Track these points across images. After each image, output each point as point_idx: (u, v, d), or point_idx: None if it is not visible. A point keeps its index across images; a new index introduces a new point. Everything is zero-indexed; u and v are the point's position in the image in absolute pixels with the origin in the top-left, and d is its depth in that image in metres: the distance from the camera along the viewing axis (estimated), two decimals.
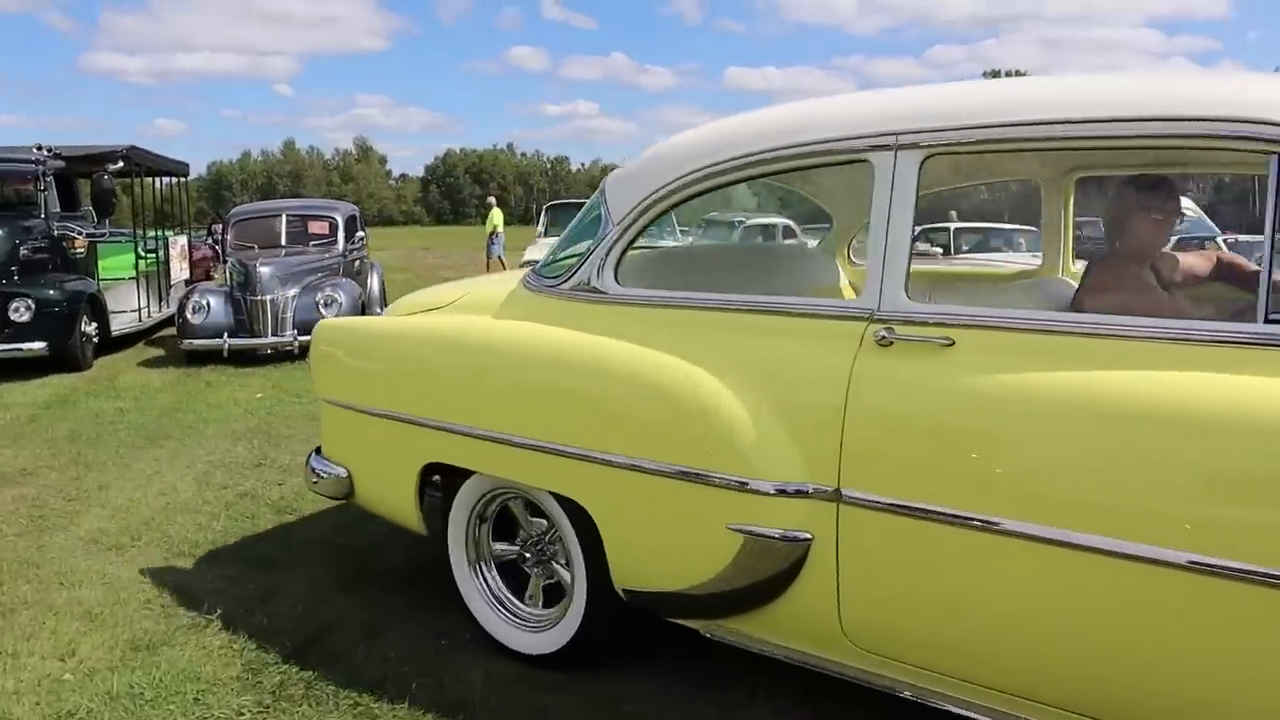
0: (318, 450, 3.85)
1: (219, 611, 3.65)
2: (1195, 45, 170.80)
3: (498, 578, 3.42)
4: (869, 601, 2.40)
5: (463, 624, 3.51)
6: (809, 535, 2.42)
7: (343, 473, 3.65)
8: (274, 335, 9.76)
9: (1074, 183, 3.59)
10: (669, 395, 2.62)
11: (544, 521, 3.20)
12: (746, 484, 2.46)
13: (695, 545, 2.61)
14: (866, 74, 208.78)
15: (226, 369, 9.30)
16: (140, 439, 6.51)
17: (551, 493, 2.98)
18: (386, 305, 13.64)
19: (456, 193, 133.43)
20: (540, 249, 11.41)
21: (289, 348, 9.66)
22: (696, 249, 7.38)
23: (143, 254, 12.21)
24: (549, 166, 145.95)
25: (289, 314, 9.87)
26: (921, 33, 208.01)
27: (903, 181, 2.35)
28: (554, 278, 3.18)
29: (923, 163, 2.34)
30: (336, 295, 10.01)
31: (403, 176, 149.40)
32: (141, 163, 12.46)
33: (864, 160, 2.45)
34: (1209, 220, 17.80)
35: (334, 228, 11.49)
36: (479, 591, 3.41)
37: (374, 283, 12.47)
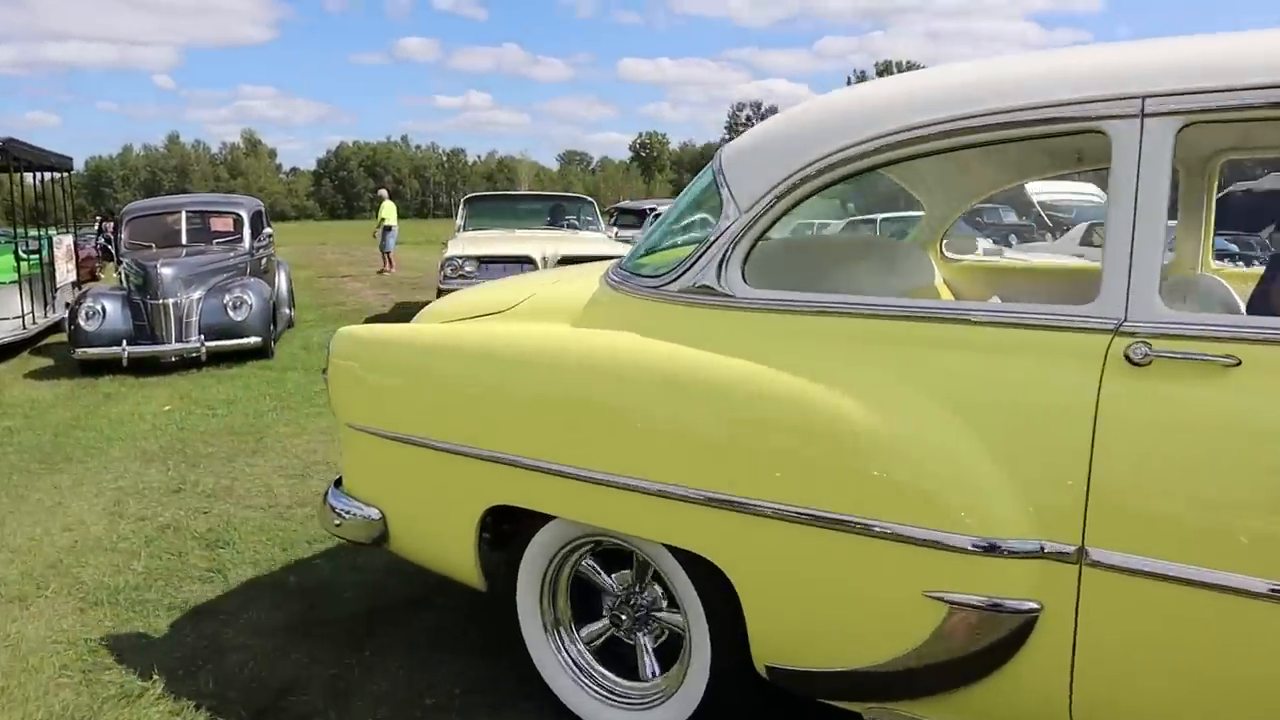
0: (337, 483, 3.27)
1: (153, 676, 3.10)
2: (1071, 38, 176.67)
3: (583, 646, 2.82)
4: (1114, 682, 1.93)
5: (448, 676, 3.05)
6: (1037, 605, 1.92)
7: (375, 514, 3.03)
8: (178, 341, 9.00)
9: (1220, 167, 3.14)
10: (842, 428, 2.07)
11: (628, 574, 2.67)
12: (951, 542, 1.95)
13: (877, 616, 2.11)
14: (759, 65, 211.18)
15: (127, 379, 8.53)
16: (35, 463, 5.80)
17: (668, 547, 2.41)
18: (294, 306, 13.03)
19: (350, 186, 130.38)
20: (464, 244, 10.79)
21: (195, 354, 8.93)
22: (809, 241, 6.24)
23: (24, 255, 11.25)
24: (445, 159, 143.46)
25: (194, 318, 9.12)
26: (812, 25, 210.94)
27: (1154, 155, 1.87)
28: (655, 277, 2.56)
29: (1179, 131, 1.87)
30: (246, 297, 9.31)
31: (294, 170, 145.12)
32: (20, 156, 11.46)
33: (1096, 131, 1.96)
34: None
35: (239, 224, 10.72)
36: (560, 664, 2.81)
37: (282, 282, 11.76)
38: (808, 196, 2.31)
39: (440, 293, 10.77)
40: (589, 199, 13.88)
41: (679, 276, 2.48)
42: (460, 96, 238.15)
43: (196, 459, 5.78)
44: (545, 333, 2.69)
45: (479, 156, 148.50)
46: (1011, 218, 29.48)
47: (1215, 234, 3.31)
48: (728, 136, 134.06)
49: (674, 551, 2.40)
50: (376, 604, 3.64)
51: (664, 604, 2.63)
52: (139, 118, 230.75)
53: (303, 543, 4.29)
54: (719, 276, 2.39)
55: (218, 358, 9.06)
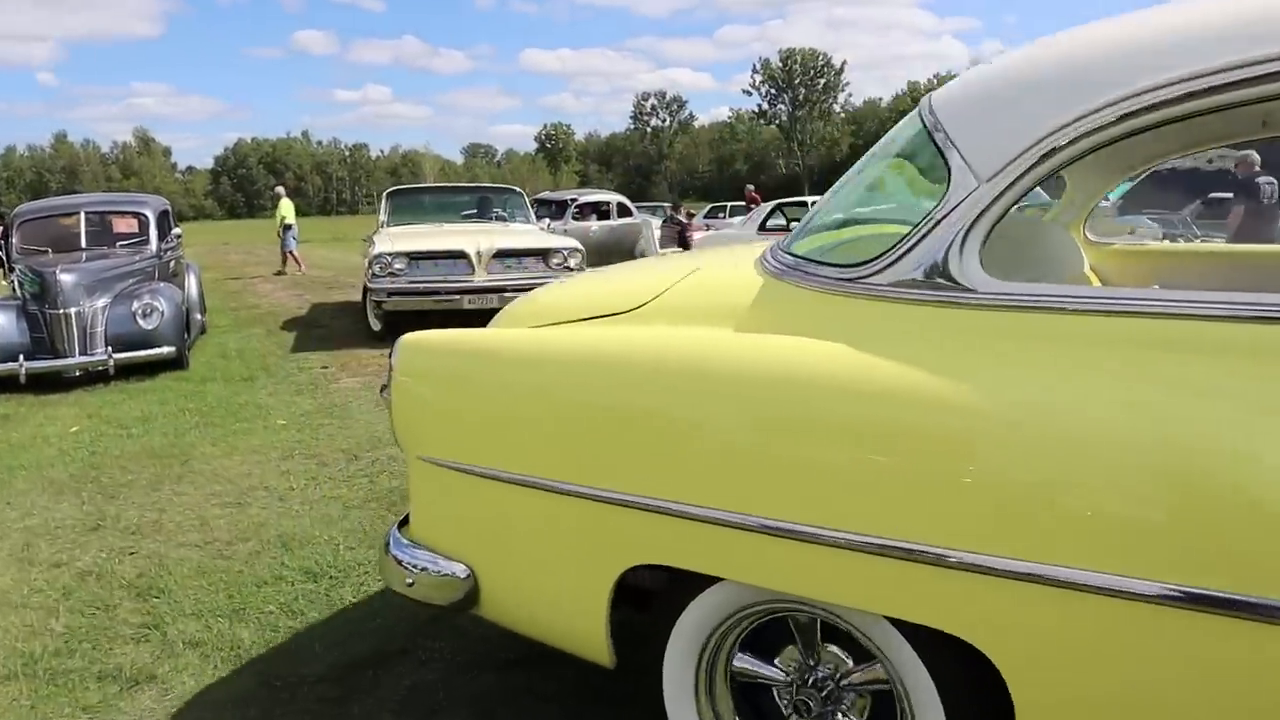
0: (401, 524, 2.70)
1: None
2: (962, 25, 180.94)
3: None
4: None
5: None
6: None
7: (461, 571, 2.42)
8: (83, 354, 8.23)
9: None
10: (1209, 481, 1.48)
11: (835, 650, 2.06)
12: None
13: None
14: (660, 55, 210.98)
15: (25, 398, 7.74)
16: None
17: (893, 620, 1.83)
18: (206, 310, 12.23)
19: (250, 184, 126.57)
20: (392, 240, 10.13)
21: (102, 368, 8.17)
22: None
23: None
24: (347, 154, 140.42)
25: (99, 328, 8.36)
26: (712, 14, 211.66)
27: None
28: (849, 266, 1.96)
29: None
30: (156, 303, 8.58)
31: (190, 169, 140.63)
32: None
33: None
34: None
35: (144, 225, 9.90)
36: None
37: (193, 285, 10.97)
38: (1071, 161, 1.75)
39: (369, 291, 10.04)
40: (517, 190, 13.26)
41: (889, 265, 1.88)
42: (359, 90, 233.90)
43: (114, 488, 5.14)
44: (709, 342, 2.06)
45: (382, 151, 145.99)
46: None
47: None
48: (633, 127, 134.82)
49: (902, 628, 1.84)
50: (350, 658, 3.13)
51: (849, 661, 2.05)
52: (22, 116, 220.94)
53: (251, 586, 3.74)
54: (952, 265, 1.80)
55: (127, 370, 8.31)
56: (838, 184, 2.40)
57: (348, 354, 9.33)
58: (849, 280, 1.95)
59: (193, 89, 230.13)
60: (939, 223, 1.82)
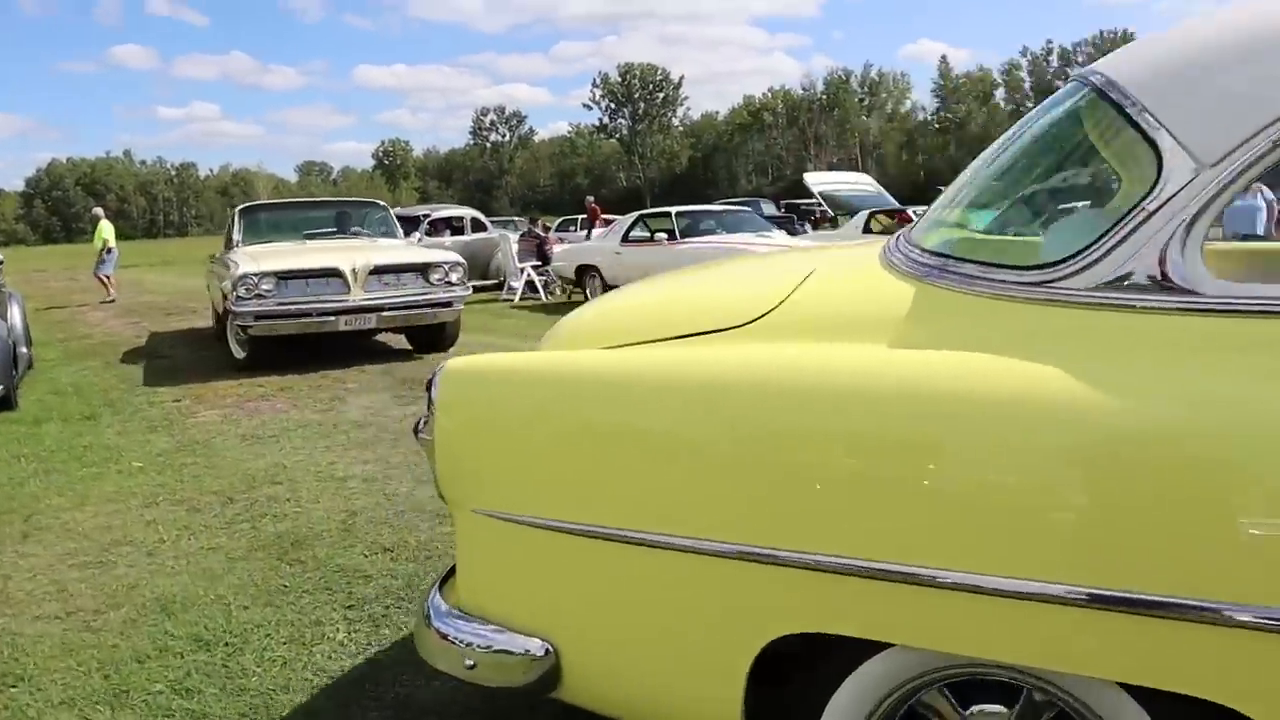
0: (442, 584, 2.25)
1: None
2: (793, 42, 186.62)
3: None
4: None
5: None
6: None
7: (537, 648, 1.97)
8: None
9: None
10: None
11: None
12: None
13: None
14: (497, 70, 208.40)
15: None
16: None
17: (1128, 686, 1.51)
18: (31, 343, 11.13)
19: (67, 207, 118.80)
20: (255, 259, 9.31)
21: None
22: None
23: None
24: (174, 174, 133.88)
25: None
26: (548, 29, 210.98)
27: None
28: (1030, 268, 1.66)
29: None
30: None
31: None
32: None
33: None
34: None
35: None
36: None
37: (16, 316, 9.90)
38: None
39: (231, 315, 9.07)
40: (381, 204, 12.59)
41: (1087, 265, 1.57)
42: (184, 107, 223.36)
43: None
44: (869, 361, 1.69)
45: (211, 170, 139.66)
46: (771, 210, 30.30)
47: None
48: (473, 142, 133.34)
49: (1140, 695, 1.52)
50: None
51: None
52: None
53: (131, 662, 3.22)
54: (1171, 264, 1.50)
55: None
56: (971, 171, 2.09)
57: (201, 385, 8.61)
58: (1033, 285, 1.63)
59: None
60: (1151, 215, 1.52)
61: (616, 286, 14.08)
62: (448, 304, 9.56)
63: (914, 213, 15.65)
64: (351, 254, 9.47)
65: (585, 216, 23.63)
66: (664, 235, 12.91)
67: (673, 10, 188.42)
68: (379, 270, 9.31)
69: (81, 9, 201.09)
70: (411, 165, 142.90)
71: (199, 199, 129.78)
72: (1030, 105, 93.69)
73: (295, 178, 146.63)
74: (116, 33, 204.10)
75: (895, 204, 17.76)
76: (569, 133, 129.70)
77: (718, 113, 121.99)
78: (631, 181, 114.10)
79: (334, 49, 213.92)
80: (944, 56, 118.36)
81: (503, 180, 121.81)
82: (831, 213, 18.69)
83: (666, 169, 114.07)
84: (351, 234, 11.31)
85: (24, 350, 9.91)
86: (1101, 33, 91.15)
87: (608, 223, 19.14)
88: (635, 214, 14.73)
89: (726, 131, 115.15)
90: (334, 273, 9.16)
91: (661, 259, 12.74)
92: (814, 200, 36.74)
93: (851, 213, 16.91)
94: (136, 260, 44.38)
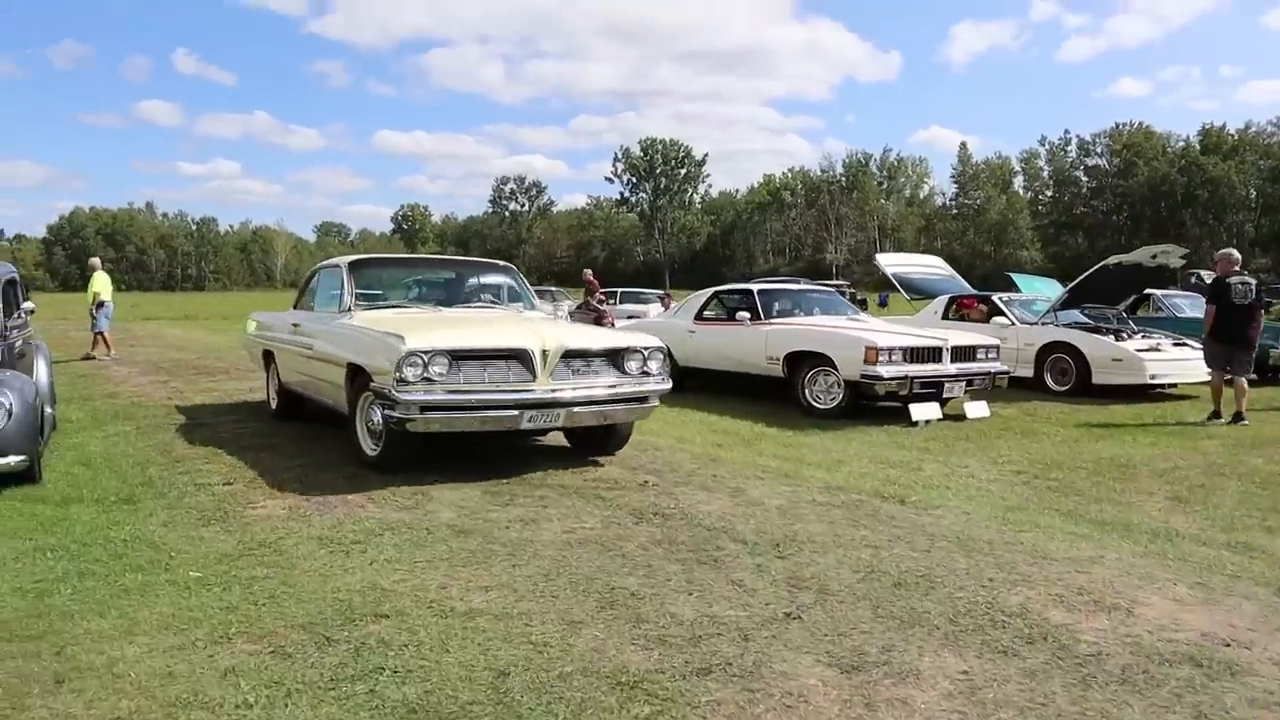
0: None
1: None
2: (806, 124, 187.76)
3: None
4: None
5: None
6: None
7: None
8: None
9: None
10: None
11: None
12: None
13: None
14: (515, 141, 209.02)
15: None
16: None
17: None
18: (55, 402, 10.01)
19: (86, 255, 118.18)
20: (416, 332, 6.90)
21: None
22: None
23: None
24: (194, 228, 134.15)
25: None
26: (565, 103, 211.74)
27: None
28: None
29: None
30: (3, 398, 6.59)
31: (18, 237, 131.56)
32: None
33: None
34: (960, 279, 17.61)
35: None
36: None
37: (42, 372, 8.90)
38: None
39: (379, 401, 6.84)
40: (510, 266, 9.79)
41: None
42: (207, 164, 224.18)
43: None
44: None
45: (231, 226, 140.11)
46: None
47: None
48: (491, 210, 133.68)
49: None
50: None
51: None
52: None
53: None
54: None
55: None
56: None
57: (252, 465, 7.47)
58: None
59: (19, 154, 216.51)
60: None
61: (689, 369, 13.19)
62: (644, 399, 7.47)
63: (999, 299, 14.59)
64: (538, 332, 7.22)
65: (603, 289, 22.88)
66: (745, 315, 11.76)
67: (691, 89, 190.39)
68: (571, 355, 7.13)
69: (109, 63, 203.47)
70: (430, 230, 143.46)
71: (218, 254, 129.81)
72: (1049, 194, 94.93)
73: (313, 237, 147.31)
74: (143, 87, 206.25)
75: (971, 289, 16.70)
76: (588, 205, 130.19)
77: (737, 191, 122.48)
78: (650, 255, 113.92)
79: (356, 113, 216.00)
80: (963, 143, 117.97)
81: (521, 249, 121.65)
82: (859, 295, 17.54)
83: (686, 245, 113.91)
84: (486, 303, 9.13)
85: (49, 410, 8.85)
86: (1117, 125, 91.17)
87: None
88: (709, 290, 13.62)
89: (745, 210, 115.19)
90: (519, 355, 6.92)
91: (742, 341, 11.68)
92: (841, 283, 36.24)
93: (927, 296, 15.85)
94: (159, 313, 43.71)
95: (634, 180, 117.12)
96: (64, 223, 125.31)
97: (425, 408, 6.56)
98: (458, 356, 6.71)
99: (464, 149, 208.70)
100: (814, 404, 10.68)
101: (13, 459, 6.46)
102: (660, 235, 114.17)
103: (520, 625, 3.98)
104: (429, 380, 6.57)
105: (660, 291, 36.48)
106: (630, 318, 19.34)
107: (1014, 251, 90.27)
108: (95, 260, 19.23)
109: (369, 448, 7.26)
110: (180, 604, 4.27)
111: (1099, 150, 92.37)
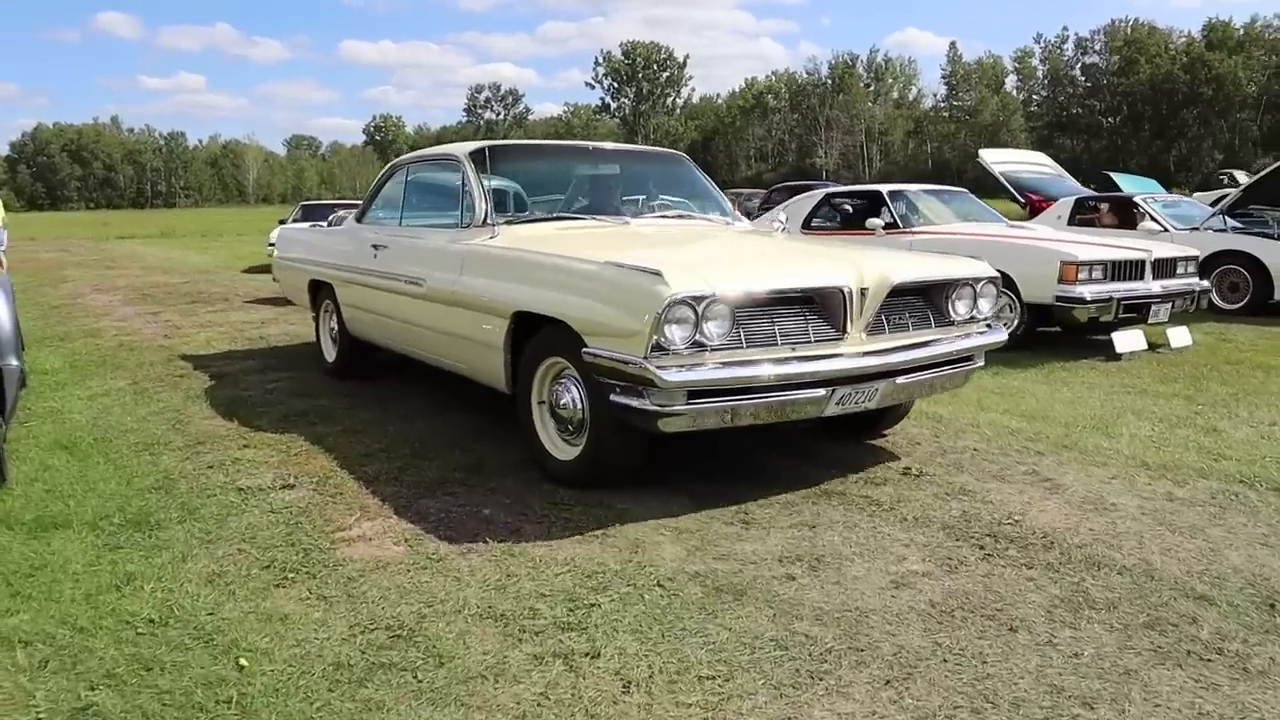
0: None
1: None
2: (779, 27, 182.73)
3: None
4: None
5: None
6: None
7: None
8: None
9: None
10: None
11: None
12: None
13: None
14: (482, 49, 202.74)
15: None
16: None
17: None
18: (24, 347, 7.58)
19: (53, 173, 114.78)
20: (659, 260, 3.99)
21: None
22: None
23: None
24: (163, 144, 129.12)
25: None
26: (533, 9, 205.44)
27: None
28: None
29: None
30: None
31: None
32: None
33: None
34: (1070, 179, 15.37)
35: None
36: None
37: (3, 313, 6.54)
38: None
39: (605, 371, 3.91)
40: (685, 157, 6.85)
41: None
42: (171, 78, 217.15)
43: None
44: None
45: (200, 141, 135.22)
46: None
47: None
48: (466, 120, 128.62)
49: None
50: None
51: None
52: None
53: None
54: None
55: None
56: None
57: (314, 445, 5.23)
58: None
59: None
60: None
61: None
62: (969, 358, 4.83)
63: (1143, 200, 12.34)
64: (849, 259, 4.45)
65: None
66: (878, 222, 9.46)
67: None
68: (900, 292, 4.43)
69: None
70: (404, 141, 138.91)
71: (188, 170, 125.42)
72: (1044, 94, 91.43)
73: (284, 151, 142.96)
74: (100, 1, 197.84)
75: (1085, 190, 14.46)
76: (564, 113, 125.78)
77: (717, 95, 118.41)
78: None
79: (320, 23, 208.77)
80: (953, 43, 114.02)
81: None
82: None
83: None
84: (677, 213, 6.04)
85: (13, 363, 6.52)
86: (1113, 21, 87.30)
87: None
88: (820, 192, 11.32)
89: (728, 115, 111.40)
90: (827, 298, 4.19)
91: None
92: (832, 185, 33.55)
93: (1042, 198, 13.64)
94: (132, 231, 40.77)
95: (615, 85, 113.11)
96: (27, 139, 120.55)
97: (696, 393, 3.88)
98: (743, 306, 3.98)
99: (431, 58, 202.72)
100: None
101: None
102: (643, 141, 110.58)
103: None
104: (699, 346, 3.85)
105: None
106: None
107: None
108: None
109: (561, 450, 4.54)
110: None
111: (1097, 48, 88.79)
